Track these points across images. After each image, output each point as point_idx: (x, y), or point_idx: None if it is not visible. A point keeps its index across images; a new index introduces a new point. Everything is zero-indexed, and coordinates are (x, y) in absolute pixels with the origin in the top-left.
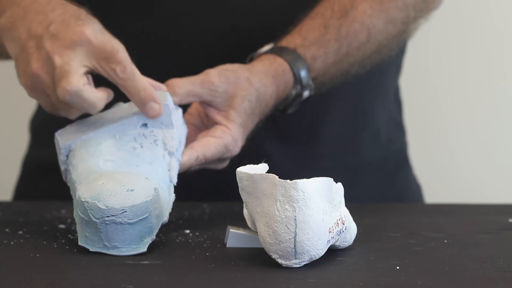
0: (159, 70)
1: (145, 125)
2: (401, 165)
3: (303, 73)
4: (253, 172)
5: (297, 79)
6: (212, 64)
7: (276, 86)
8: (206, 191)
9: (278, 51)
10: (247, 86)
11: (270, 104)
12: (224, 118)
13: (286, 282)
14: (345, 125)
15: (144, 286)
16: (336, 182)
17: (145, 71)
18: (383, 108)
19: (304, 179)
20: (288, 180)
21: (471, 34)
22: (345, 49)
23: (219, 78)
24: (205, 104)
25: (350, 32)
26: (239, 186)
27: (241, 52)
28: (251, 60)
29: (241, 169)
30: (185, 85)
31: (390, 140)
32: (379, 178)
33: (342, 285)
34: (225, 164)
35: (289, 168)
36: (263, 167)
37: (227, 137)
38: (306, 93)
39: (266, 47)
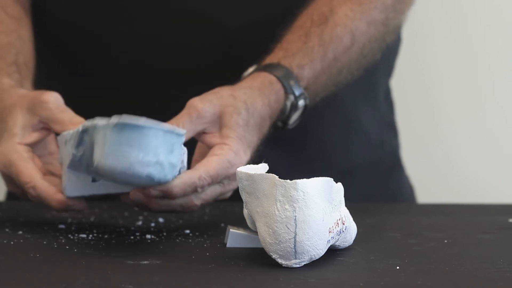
0: (147, 75)
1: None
2: (393, 166)
3: (292, 82)
4: (253, 172)
5: (287, 89)
6: (202, 68)
7: (266, 97)
8: None
9: (261, 69)
10: (232, 101)
11: (264, 115)
12: (219, 137)
13: (286, 282)
14: (335, 127)
15: (144, 286)
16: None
17: (133, 75)
18: (372, 109)
19: (304, 179)
20: (288, 180)
21: (463, 34)
22: (331, 54)
23: (202, 103)
24: (198, 134)
25: (333, 37)
26: (239, 186)
27: (231, 55)
28: None
29: (241, 169)
30: (182, 125)
31: (382, 141)
32: (371, 180)
33: (342, 285)
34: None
35: (281, 170)
36: (263, 167)
37: (227, 152)
38: (301, 103)
39: (250, 69)
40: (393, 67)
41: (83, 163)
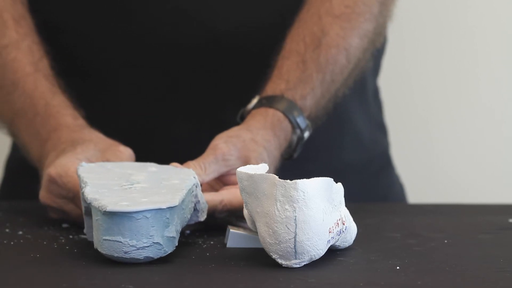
0: (140, 75)
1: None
2: (384, 165)
3: (298, 117)
4: (253, 172)
5: (294, 124)
6: (193, 68)
7: (277, 137)
8: None
9: (267, 103)
10: (255, 146)
11: (276, 156)
12: None
13: (286, 282)
14: (327, 127)
15: (144, 286)
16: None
17: (127, 75)
18: (363, 109)
19: (304, 179)
20: (288, 180)
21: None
22: (329, 77)
23: (227, 146)
24: (221, 176)
25: (329, 60)
26: (239, 186)
27: (222, 57)
28: (242, 115)
29: (241, 169)
30: (208, 165)
31: (373, 141)
32: (362, 180)
33: (342, 285)
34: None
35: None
36: (263, 167)
37: None
38: (306, 135)
39: (254, 101)
40: (380, 66)
41: None
